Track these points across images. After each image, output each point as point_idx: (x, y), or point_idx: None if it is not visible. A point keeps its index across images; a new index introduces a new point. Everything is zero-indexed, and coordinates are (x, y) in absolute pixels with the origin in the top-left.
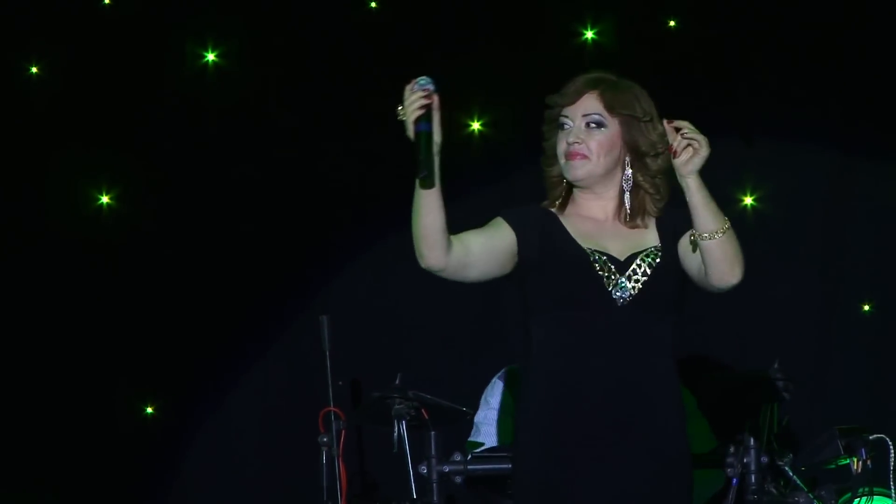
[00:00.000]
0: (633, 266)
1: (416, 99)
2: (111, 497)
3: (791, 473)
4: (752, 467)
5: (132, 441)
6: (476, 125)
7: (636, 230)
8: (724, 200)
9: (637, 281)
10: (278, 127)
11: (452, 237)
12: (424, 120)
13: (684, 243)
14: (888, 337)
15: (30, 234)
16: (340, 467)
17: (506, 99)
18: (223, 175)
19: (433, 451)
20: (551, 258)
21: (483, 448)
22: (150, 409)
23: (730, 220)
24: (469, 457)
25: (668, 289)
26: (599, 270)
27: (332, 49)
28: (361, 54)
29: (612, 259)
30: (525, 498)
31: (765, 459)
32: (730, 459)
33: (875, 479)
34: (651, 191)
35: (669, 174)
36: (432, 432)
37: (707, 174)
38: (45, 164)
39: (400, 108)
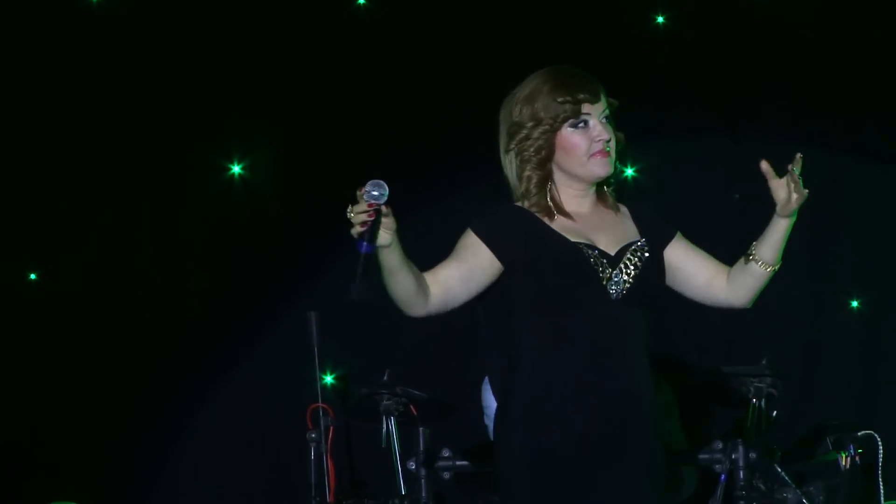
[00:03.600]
0: (624, 259)
1: (360, 212)
2: (99, 493)
3: (779, 469)
4: (741, 463)
5: (120, 438)
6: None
7: (615, 222)
8: (713, 198)
9: (629, 275)
10: (268, 125)
11: (429, 279)
12: (367, 239)
13: (679, 253)
14: (876, 333)
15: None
16: (328, 463)
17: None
18: (212, 173)
19: (421, 448)
20: (543, 258)
21: None
22: (137, 405)
23: (718, 216)
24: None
25: (657, 284)
26: (595, 265)
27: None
28: (347, 53)
29: (602, 253)
30: (517, 497)
31: (753, 455)
32: (718, 456)
33: (863, 476)
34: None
35: None
36: (420, 428)
37: (697, 172)
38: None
39: (349, 210)
